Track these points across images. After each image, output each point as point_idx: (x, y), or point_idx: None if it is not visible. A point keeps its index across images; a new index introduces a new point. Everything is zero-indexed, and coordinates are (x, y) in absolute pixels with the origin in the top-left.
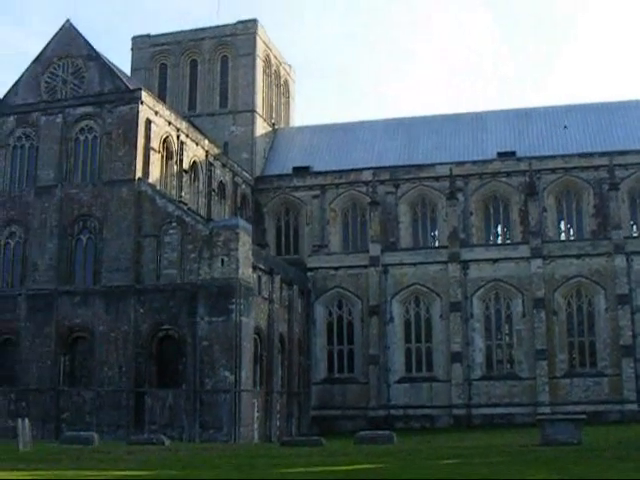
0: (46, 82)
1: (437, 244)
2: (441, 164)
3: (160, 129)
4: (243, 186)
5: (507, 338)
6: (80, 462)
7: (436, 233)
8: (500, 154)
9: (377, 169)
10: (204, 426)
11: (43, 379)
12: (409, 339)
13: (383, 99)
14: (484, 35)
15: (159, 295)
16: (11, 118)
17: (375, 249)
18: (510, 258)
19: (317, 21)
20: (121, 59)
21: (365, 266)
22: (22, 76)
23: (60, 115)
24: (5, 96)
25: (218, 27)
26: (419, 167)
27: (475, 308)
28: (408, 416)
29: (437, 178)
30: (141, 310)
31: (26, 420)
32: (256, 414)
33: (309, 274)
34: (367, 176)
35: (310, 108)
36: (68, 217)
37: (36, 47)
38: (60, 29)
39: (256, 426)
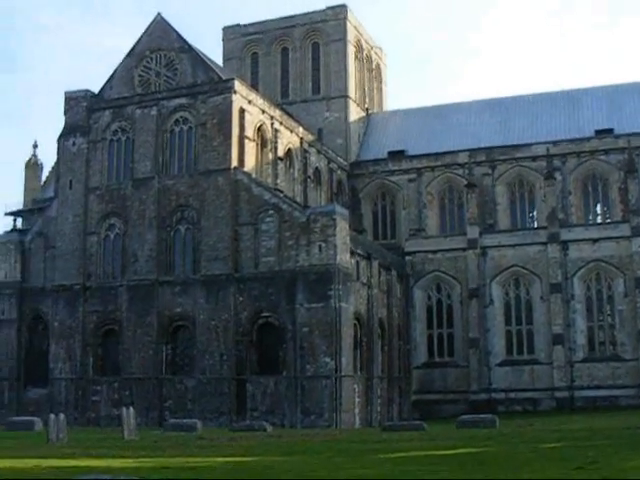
0: (140, 75)
1: (536, 225)
2: (537, 144)
3: (254, 118)
4: (338, 172)
5: (609, 319)
6: (184, 449)
7: (534, 214)
8: (597, 132)
9: (473, 151)
10: (305, 412)
11: (146, 368)
12: (509, 322)
13: (475, 80)
14: (577, 10)
15: (258, 283)
16: (107, 112)
17: (473, 231)
18: (610, 237)
19: (405, 2)
20: (212, 50)
21: (463, 249)
22: (116, 70)
23: (155, 107)
24: (100, 91)
25: (307, 14)
26: (515, 147)
27: (576, 289)
28: (510, 399)
29: (534, 158)
30: (241, 298)
31: (130, 408)
32: (357, 399)
33: (407, 258)
34: (463, 158)
35: (402, 92)
36: (166, 208)
37: (127, 42)
38: (152, 23)
39: (357, 411)
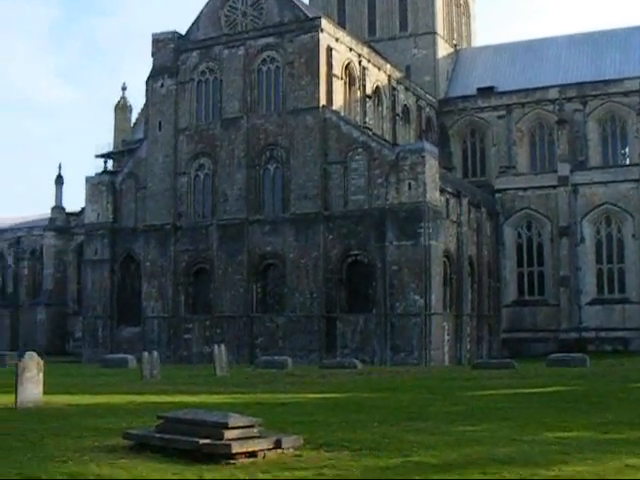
0: (226, 16)
1: (628, 162)
2: (630, 79)
3: (341, 56)
4: (427, 109)
5: None
6: (275, 385)
7: (627, 150)
8: None
9: (563, 86)
10: (395, 349)
11: (236, 306)
12: (600, 260)
13: (564, 14)
14: None
15: (347, 221)
16: (194, 53)
17: (564, 169)
18: None
19: None
20: None
21: (554, 186)
22: (202, 11)
23: (242, 47)
24: (187, 32)
25: None
26: (607, 82)
27: None
28: (600, 339)
29: (626, 93)
30: (330, 236)
31: (222, 346)
32: (446, 337)
33: (497, 196)
34: (553, 94)
35: (491, 27)
36: (255, 147)
37: None
38: None
39: (446, 349)
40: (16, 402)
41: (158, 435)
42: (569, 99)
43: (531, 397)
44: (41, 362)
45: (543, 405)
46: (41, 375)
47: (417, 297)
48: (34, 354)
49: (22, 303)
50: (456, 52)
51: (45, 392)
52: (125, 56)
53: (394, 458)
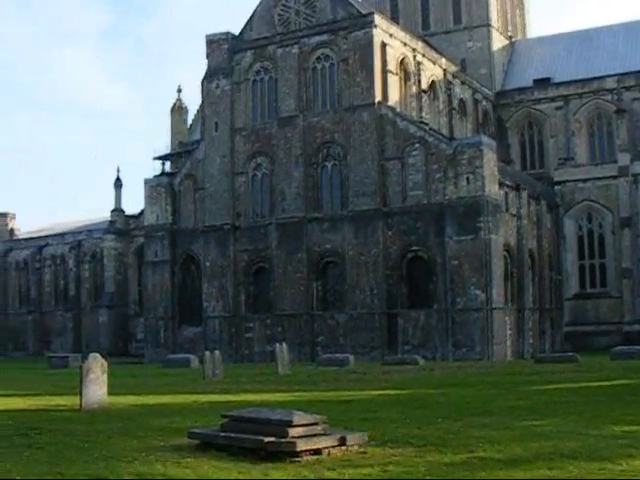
0: (279, 15)
1: None
2: None
3: (396, 51)
4: (483, 102)
5: None
6: (337, 383)
7: None
8: None
9: (622, 75)
10: (457, 345)
11: (297, 304)
12: None
13: (619, 2)
14: None
15: (406, 217)
16: (248, 53)
17: (624, 159)
18: None
19: None
20: None
21: (614, 177)
22: (255, 11)
23: (296, 46)
24: (241, 32)
25: None
26: None
27: None
28: None
29: None
30: (389, 233)
31: (284, 344)
32: (508, 332)
33: (556, 188)
34: (611, 83)
35: (545, 18)
36: (312, 145)
37: None
38: None
39: (509, 344)
40: (81, 403)
41: (223, 434)
42: (627, 88)
43: (596, 391)
44: (105, 363)
45: (608, 399)
46: (105, 376)
47: (478, 292)
48: (98, 355)
49: (84, 306)
50: (511, 44)
51: (109, 393)
52: (179, 58)
53: (459, 454)
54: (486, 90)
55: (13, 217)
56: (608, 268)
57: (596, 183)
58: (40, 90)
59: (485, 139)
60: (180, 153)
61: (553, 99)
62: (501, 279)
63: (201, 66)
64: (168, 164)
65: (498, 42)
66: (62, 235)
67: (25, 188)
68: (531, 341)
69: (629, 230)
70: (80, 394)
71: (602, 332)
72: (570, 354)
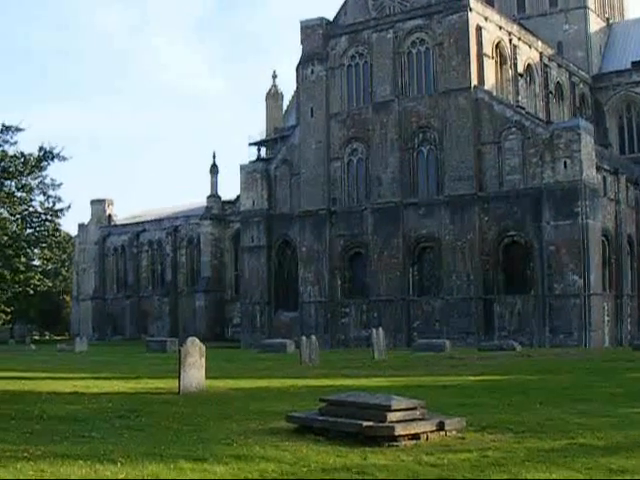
0: (373, 0)
1: None
2: None
3: (491, 35)
4: (580, 85)
5: None
6: (434, 368)
7: None
8: None
9: None
10: (554, 331)
11: (393, 290)
12: None
13: None
14: None
15: (503, 202)
16: (343, 39)
17: None
18: None
19: None
20: None
21: None
22: None
23: (391, 30)
24: (335, 18)
25: None
26: None
27: None
28: None
29: None
30: (486, 218)
31: (380, 329)
32: (606, 318)
33: None
34: None
35: None
36: (407, 130)
37: None
38: None
39: (606, 330)
40: (180, 387)
41: (321, 418)
42: None
43: None
44: (203, 347)
45: None
46: (203, 360)
47: (576, 277)
48: (196, 339)
49: (181, 290)
50: (608, 26)
51: (207, 377)
52: (274, 44)
53: (558, 440)
54: (583, 73)
55: (111, 203)
56: None
57: None
58: (135, 78)
59: (583, 123)
60: (275, 139)
61: None
62: (599, 265)
63: (296, 52)
64: (263, 150)
65: (595, 24)
66: (159, 221)
67: (123, 175)
68: (629, 328)
69: None
70: (178, 377)
71: None
72: None
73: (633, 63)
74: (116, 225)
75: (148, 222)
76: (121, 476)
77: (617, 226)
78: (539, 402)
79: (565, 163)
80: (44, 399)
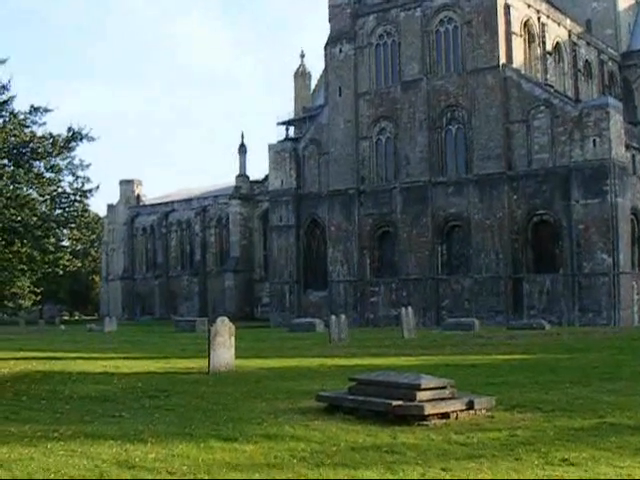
0: None
1: None
2: None
3: (519, 13)
4: (609, 63)
5: None
6: (463, 347)
7: None
8: None
9: None
10: (583, 310)
11: (422, 269)
12: None
13: None
14: None
15: (532, 180)
16: (371, 17)
17: None
18: None
19: None
20: None
21: None
22: None
23: (419, 9)
24: None
25: None
26: None
27: None
28: None
29: None
30: (514, 196)
31: (409, 308)
32: (636, 297)
33: None
34: None
35: None
36: (435, 109)
37: None
38: None
39: (636, 309)
40: (209, 366)
41: (350, 397)
42: None
43: None
44: (232, 327)
45: None
46: (232, 340)
47: (605, 256)
48: (226, 319)
49: (210, 270)
50: (637, 3)
51: (236, 356)
52: (303, 24)
53: (588, 419)
54: (612, 51)
55: (140, 183)
56: None
57: None
58: (165, 59)
59: (612, 101)
60: (304, 118)
61: None
62: (628, 243)
63: (324, 31)
64: (292, 129)
65: (624, 2)
66: (188, 201)
67: (153, 155)
68: None
69: None
70: (208, 357)
71: None
72: None
73: None
74: (145, 205)
75: (177, 202)
76: (151, 456)
77: None
78: (568, 381)
79: (594, 141)
80: (74, 379)
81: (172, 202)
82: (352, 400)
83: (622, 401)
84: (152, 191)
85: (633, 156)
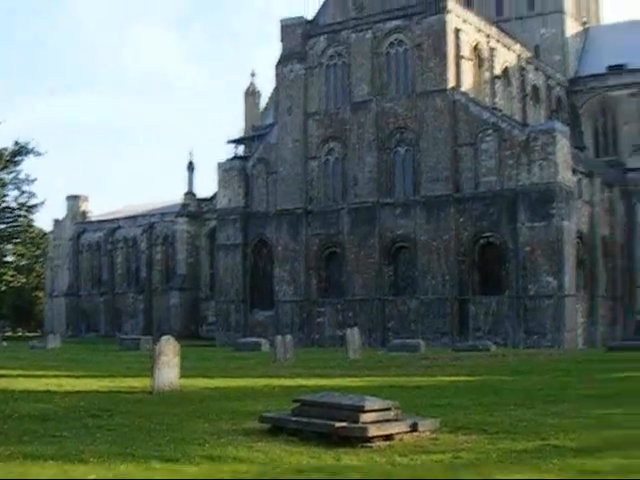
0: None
1: None
2: None
3: (469, 37)
4: (557, 89)
5: None
6: (408, 368)
7: None
8: None
9: None
10: (528, 332)
11: (368, 289)
12: None
13: None
14: None
15: (479, 203)
16: (322, 38)
17: None
18: None
19: None
20: None
21: None
22: None
23: (370, 31)
24: (315, 17)
25: None
26: None
27: None
28: None
29: None
30: (461, 219)
31: (355, 329)
32: (580, 319)
33: (629, 175)
34: None
35: (619, 4)
36: (384, 130)
37: None
38: None
39: (580, 331)
40: (153, 386)
41: (294, 418)
42: None
43: None
44: (177, 345)
45: None
46: (177, 359)
47: (550, 279)
48: (170, 338)
49: (156, 288)
50: (585, 30)
51: (181, 376)
52: (254, 41)
53: (531, 441)
54: (559, 76)
55: (86, 199)
56: None
57: None
58: (113, 70)
59: (558, 125)
60: (253, 137)
61: (627, 85)
62: (573, 266)
63: (276, 50)
64: (241, 148)
65: (572, 28)
66: (134, 218)
67: (98, 170)
68: (602, 329)
69: None
70: (152, 376)
71: None
72: None
73: (609, 67)
74: (91, 221)
75: (123, 219)
76: (91, 476)
77: (591, 228)
78: (513, 403)
79: (541, 165)
80: (15, 397)
81: (118, 219)
82: (296, 421)
83: (565, 423)
84: (99, 207)
85: (579, 180)
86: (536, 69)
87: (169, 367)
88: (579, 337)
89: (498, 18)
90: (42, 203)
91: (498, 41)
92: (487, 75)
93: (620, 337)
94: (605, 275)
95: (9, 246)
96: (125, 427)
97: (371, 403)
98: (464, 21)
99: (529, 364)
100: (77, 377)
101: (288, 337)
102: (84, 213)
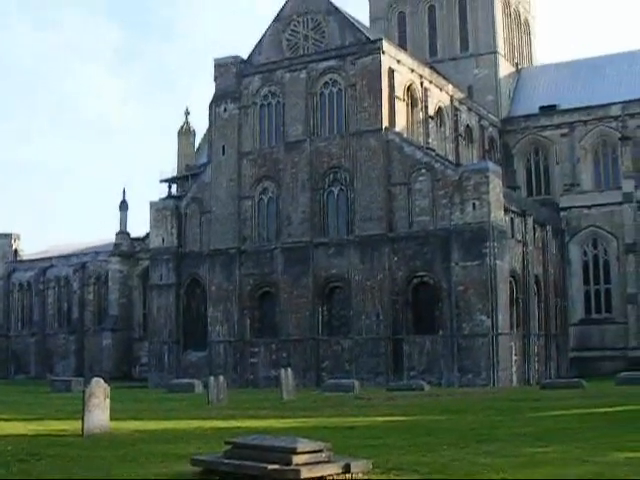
0: (287, 39)
1: None
2: None
3: (403, 77)
4: (490, 129)
5: None
6: (342, 409)
7: None
8: None
9: (626, 103)
10: (462, 370)
11: (302, 329)
12: None
13: (625, 31)
14: None
15: (412, 242)
16: (256, 77)
17: (629, 185)
18: None
19: None
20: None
21: (619, 203)
22: (264, 36)
23: (304, 71)
24: (249, 56)
25: None
26: None
27: None
28: None
29: None
30: (395, 258)
31: (289, 369)
32: (514, 357)
33: (562, 214)
34: (616, 111)
35: (551, 45)
36: (318, 170)
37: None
38: None
39: (514, 369)
40: (83, 428)
41: (226, 461)
42: (632, 115)
43: (601, 417)
44: (108, 388)
45: (613, 425)
46: (108, 401)
47: (484, 317)
48: (101, 380)
49: (88, 328)
50: (517, 71)
51: (112, 418)
52: (189, 80)
53: None
54: (492, 117)
55: (17, 238)
56: (613, 294)
57: (601, 209)
58: (48, 108)
59: (491, 165)
60: (187, 176)
61: (559, 126)
62: (507, 305)
63: (210, 89)
64: (175, 187)
65: (505, 69)
66: (66, 257)
67: (30, 209)
68: (537, 367)
69: (634, 256)
70: (82, 419)
71: (607, 357)
72: (575, 380)
73: (541, 108)
74: (22, 260)
75: (55, 258)
76: None
77: (524, 267)
78: (446, 443)
79: (474, 205)
80: None
81: (50, 258)
82: (228, 464)
83: (498, 462)
84: (30, 246)
85: (512, 219)
86: (469, 109)
87: (100, 409)
88: (513, 375)
89: (432, 59)
90: None
91: (431, 82)
92: (421, 115)
93: (554, 375)
94: (538, 313)
95: None
96: (53, 472)
97: (303, 445)
98: (398, 62)
99: (463, 403)
100: (5, 420)
101: (221, 378)
102: (16, 252)
